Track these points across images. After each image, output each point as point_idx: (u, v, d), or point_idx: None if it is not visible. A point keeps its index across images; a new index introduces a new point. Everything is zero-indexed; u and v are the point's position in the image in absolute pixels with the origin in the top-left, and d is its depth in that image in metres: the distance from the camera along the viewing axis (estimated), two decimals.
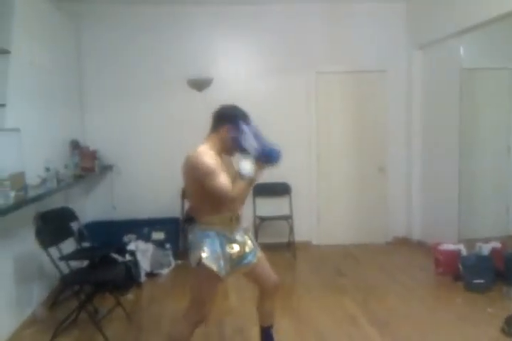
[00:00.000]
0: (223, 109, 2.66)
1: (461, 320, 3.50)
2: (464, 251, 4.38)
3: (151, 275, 4.72)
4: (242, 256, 2.61)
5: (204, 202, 2.52)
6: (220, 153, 2.55)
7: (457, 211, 4.96)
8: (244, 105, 5.85)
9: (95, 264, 3.91)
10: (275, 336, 2.90)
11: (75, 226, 4.15)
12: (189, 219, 5.34)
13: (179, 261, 5.13)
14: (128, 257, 4.52)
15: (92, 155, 4.98)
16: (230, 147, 2.55)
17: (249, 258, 2.66)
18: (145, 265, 4.69)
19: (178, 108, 5.57)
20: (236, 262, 2.58)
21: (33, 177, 3.74)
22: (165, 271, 4.86)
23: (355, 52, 5.65)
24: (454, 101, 4.93)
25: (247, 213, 5.52)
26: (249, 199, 5.53)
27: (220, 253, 2.48)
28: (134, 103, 5.54)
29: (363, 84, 5.73)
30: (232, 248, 2.55)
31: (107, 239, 4.66)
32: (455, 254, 4.38)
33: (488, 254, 4.25)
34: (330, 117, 5.67)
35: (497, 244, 4.38)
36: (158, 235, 5.06)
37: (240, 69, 5.64)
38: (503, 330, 3.23)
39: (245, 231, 2.72)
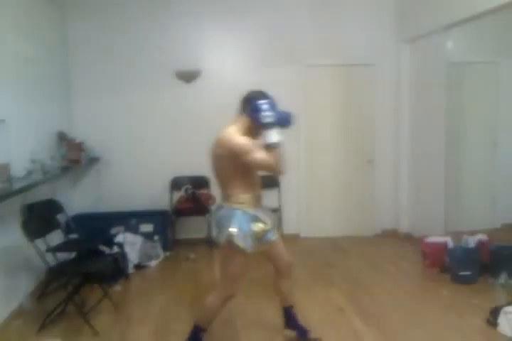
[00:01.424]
0: (247, 94, 2.81)
1: (448, 311, 3.54)
2: (451, 244, 4.42)
3: (139, 267, 4.71)
4: (264, 233, 2.74)
5: (236, 181, 2.67)
6: (246, 135, 2.67)
7: (444, 204, 5.01)
8: (232, 97, 5.83)
9: (82, 256, 3.90)
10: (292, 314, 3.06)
11: (61, 218, 4.14)
12: (177, 212, 5.37)
13: (168, 253, 5.13)
14: (115, 249, 4.49)
15: (79, 147, 4.94)
16: (254, 127, 2.65)
17: (269, 235, 2.80)
18: (133, 257, 4.67)
19: (166, 99, 5.54)
20: (259, 239, 2.71)
21: (18, 169, 3.70)
22: (153, 263, 4.84)
23: (344, 45, 5.63)
24: (441, 94, 4.96)
25: None
26: None
27: (247, 231, 2.62)
28: (122, 94, 5.48)
29: (352, 77, 5.73)
30: (257, 226, 2.68)
31: (94, 231, 4.63)
32: (442, 247, 4.42)
33: (474, 247, 4.29)
34: (319, 110, 5.67)
35: (483, 237, 4.43)
36: (147, 227, 5.04)
37: (228, 61, 5.60)
38: (488, 321, 3.28)
39: (265, 210, 2.84)
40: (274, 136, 2.54)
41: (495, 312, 3.25)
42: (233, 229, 2.60)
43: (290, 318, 3.10)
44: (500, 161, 5.83)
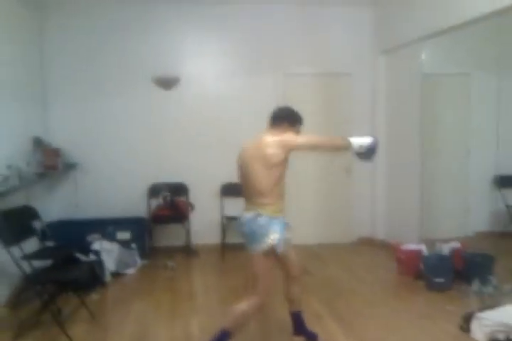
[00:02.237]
0: (282, 110, 3.01)
1: (422, 318, 3.60)
2: (425, 251, 4.51)
3: (116, 275, 4.66)
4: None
5: (274, 189, 2.76)
6: None
7: (419, 212, 5.10)
8: (212, 105, 5.92)
9: (58, 264, 3.84)
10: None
11: (37, 225, 4.06)
12: (155, 219, 5.34)
13: (145, 261, 5.09)
14: (92, 257, 4.45)
15: (55, 153, 4.88)
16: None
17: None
18: (110, 265, 4.62)
19: (144, 106, 5.53)
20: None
21: None
22: (131, 271, 4.80)
23: (322, 54, 5.73)
24: (416, 105, 5.08)
25: (214, 213, 5.55)
26: (216, 199, 5.55)
27: (283, 239, 2.74)
28: (100, 100, 5.45)
29: (330, 86, 5.82)
30: (288, 233, 2.84)
31: (70, 238, 4.57)
32: (416, 254, 4.51)
33: (448, 254, 4.39)
34: None
35: (457, 244, 4.52)
36: (124, 235, 4.99)
37: (208, 68, 5.63)
38: (461, 327, 3.34)
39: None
40: (359, 149, 2.85)
41: (468, 319, 3.32)
42: (275, 237, 2.69)
43: (299, 323, 3.15)
44: (473, 170, 5.97)
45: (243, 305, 2.77)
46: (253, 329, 3.33)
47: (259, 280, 2.77)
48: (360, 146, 2.83)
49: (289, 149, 2.72)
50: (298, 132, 2.93)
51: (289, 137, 2.77)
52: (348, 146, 2.83)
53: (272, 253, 2.70)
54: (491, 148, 6.08)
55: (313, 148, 3.08)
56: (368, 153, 2.90)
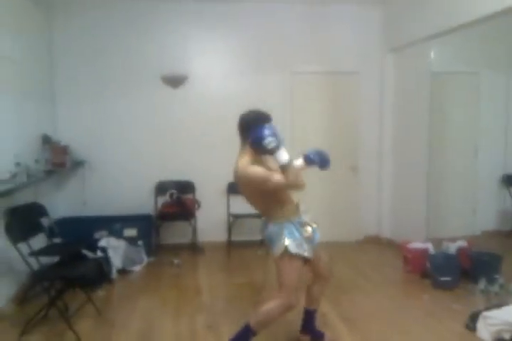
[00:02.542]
0: (243, 120, 2.87)
1: (428, 316, 3.60)
2: (432, 250, 4.50)
3: (123, 272, 4.68)
4: (312, 235, 2.87)
5: (269, 203, 2.81)
6: (258, 158, 2.76)
7: (425, 211, 5.09)
8: (218, 103, 5.93)
9: (66, 260, 3.87)
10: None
11: (45, 221, 4.10)
12: (162, 216, 5.36)
13: (151, 258, 5.11)
14: (99, 253, 4.48)
15: (64, 151, 4.91)
16: (261, 152, 2.70)
17: (316, 236, 2.92)
18: (117, 262, 4.64)
19: (152, 104, 5.54)
20: (311, 242, 2.83)
21: (2, 172, 3.67)
22: (137, 268, 4.83)
23: (330, 53, 5.71)
24: (424, 103, 5.05)
25: (220, 211, 5.57)
26: (223, 197, 5.57)
27: (300, 239, 2.75)
28: (108, 98, 5.47)
29: (337, 85, 5.80)
30: (307, 231, 2.82)
31: (78, 235, 4.60)
32: (423, 253, 4.50)
33: (454, 253, 4.37)
34: (304, 117, 5.72)
35: (463, 243, 4.51)
36: (131, 232, 5.02)
37: (215, 67, 5.64)
38: (467, 326, 3.34)
39: (306, 214, 2.97)
40: (283, 155, 2.62)
41: (474, 317, 3.31)
42: (286, 242, 2.71)
43: (309, 321, 3.16)
44: (480, 169, 5.94)
45: (269, 305, 2.79)
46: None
47: (284, 281, 2.78)
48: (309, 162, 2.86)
49: (256, 186, 2.69)
50: (264, 154, 2.76)
51: (257, 176, 2.65)
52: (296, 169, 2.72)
53: (289, 255, 2.71)
54: (500, 147, 6.04)
55: (282, 190, 2.81)
56: (322, 163, 2.97)
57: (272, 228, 2.80)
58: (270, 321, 2.81)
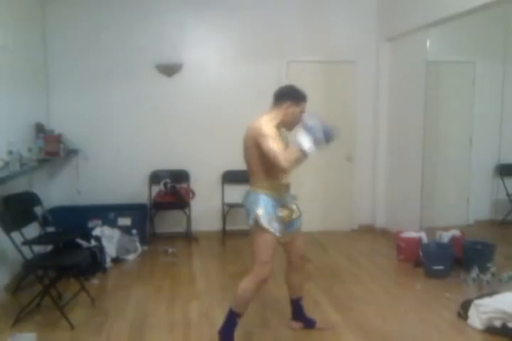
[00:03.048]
0: (285, 87, 2.94)
1: (421, 305, 3.63)
2: (425, 239, 4.52)
3: (117, 260, 4.68)
4: (291, 221, 2.88)
5: (261, 168, 2.78)
6: (279, 127, 2.81)
7: (420, 200, 5.10)
8: (214, 92, 5.90)
9: (59, 249, 3.87)
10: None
11: (38, 210, 4.10)
12: (156, 205, 5.35)
13: (146, 247, 5.12)
14: (93, 242, 4.48)
15: (57, 139, 4.87)
16: (292, 120, 2.82)
17: (297, 224, 2.96)
18: (111, 250, 4.64)
19: (146, 93, 5.50)
20: (287, 226, 2.84)
21: None
22: (131, 257, 4.83)
23: (326, 42, 5.68)
24: (420, 93, 5.04)
25: (215, 200, 5.57)
26: (217, 186, 5.56)
27: (272, 215, 2.74)
28: (102, 87, 5.43)
29: (333, 74, 5.78)
30: (282, 211, 2.81)
31: (71, 224, 4.61)
32: (416, 241, 4.52)
33: (447, 242, 4.40)
34: None
35: (457, 232, 4.54)
36: (125, 221, 5.02)
37: (210, 55, 5.59)
38: (459, 314, 3.37)
39: (293, 199, 2.96)
40: (307, 142, 2.57)
41: (465, 306, 3.34)
42: (259, 212, 2.71)
43: (298, 310, 3.19)
44: (475, 159, 5.95)
45: (243, 282, 2.82)
46: (252, 311, 3.35)
47: (256, 254, 2.81)
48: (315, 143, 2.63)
49: (256, 142, 2.70)
50: (302, 111, 2.85)
51: (264, 132, 2.66)
52: (303, 157, 2.63)
53: (260, 227, 2.70)
54: (494, 137, 6.03)
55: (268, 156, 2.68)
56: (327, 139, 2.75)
57: (250, 196, 2.80)
58: (248, 298, 2.82)
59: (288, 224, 2.87)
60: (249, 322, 3.20)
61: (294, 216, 2.92)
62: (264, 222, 2.70)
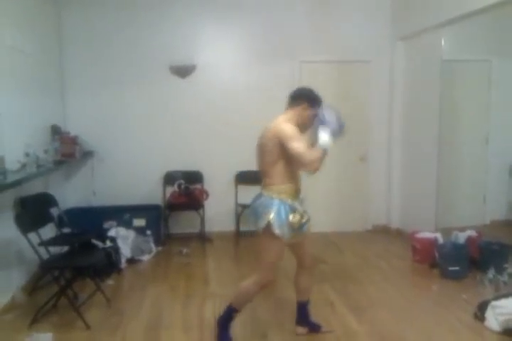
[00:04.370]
0: (302, 90, 2.95)
1: (436, 306, 3.59)
2: (441, 239, 4.48)
3: (131, 261, 4.72)
4: (301, 224, 2.81)
5: (279, 171, 2.76)
6: (295, 127, 2.77)
7: (435, 200, 5.05)
8: (227, 93, 5.91)
9: (75, 250, 3.91)
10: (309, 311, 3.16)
11: (54, 211, 4.14)
12: (170, 206, 5.38)
13: (160, 248, 5.15)
14: (108, 243, 4.51)
15: (73, 141, 4.93)
16: (306, 122, 2.84)
17: (305, 227, 2.88)
18: (126, 251, 4.68)
19: (160, 94, 5.54)
20: (296, 230, 2.79)
21: (12, 162, 3.69)
22: (146, 258, 4.86)
23: (339, 42, 5.65)
24: (435, 92, 4.99)
25: (228, 201, 5.58)
26: (231, 187, 5.57)
27: (284, 221, 2.71)
28: (116, 89, 5.47)
29: (347, 73, 5.75)
30: (295, 217, 2.75)
31: (87, 225, 4.64)
32: (432, 242, 4.48)
33: (463, 242, 4.35)
34: None
35: (473, 233, 4.49)
36: (140, 222, 5.05)
37: (223, 56, 5.60)
38: (475, 315, 3.33)
39: (302, 202, 2.91)
40: (327, 138, 2.65)
41: (482, 307, 3.30)
42: (271, 217, 2.69)
43: (302, 314, 3.16)
44: (491, 158, 5.88)
45: (246, 282, 2.86)
46: (259, 309, 3.35)
47: (262, 258, 2.84)
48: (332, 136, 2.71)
49: (279, 142, 2.69)
50: (316, 114, 2.82)
51: (287, 132, 2.67)
52: (324, 154, 2.69)
53: (271, 232, 2.69)
54: (511, 136, 5.96)
55: (294, 157, 2.67)
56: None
57: (263, 200, 2.78)
58: (249, 298, 2.89)
59: (298, 228, 2.82)
60: (264, 323, 3.20)
61: (304, 220, 2.85)
62: (275, 227, 2.69)
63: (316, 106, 2.84)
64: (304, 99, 2.84)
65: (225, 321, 2.95)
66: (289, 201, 2.76)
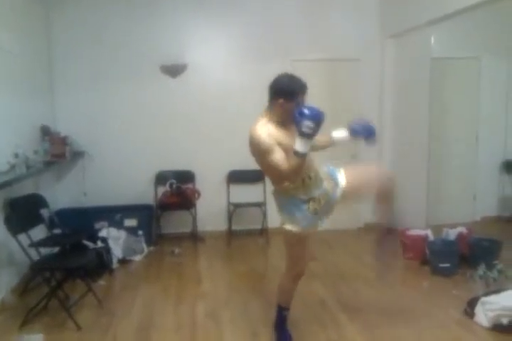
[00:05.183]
0: (277, 83, 2.74)
1: (427, 303, 3.62)
2: (431, 236, 4.50)
3: (123, 261, 4.70)
4: (325, 205, 2.79)
5: (273, 173, 2.68)
6: (279, 124, 2.67)
7: (426, 197, 5.08)
8: (218, 92, 5.88)
9: (66, 251, 3.89)
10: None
11: (45, 213, 4.11)
12: (162, 206, 5.36)
13: (152, 248, 5.14)
14: (99, 244, 4.50)
15: (63, 141, 4.90)
16: (286, 117, 2.62)
17: (335, 196, 2.86)
18: (117, 252, 4.67)
19: (151, 94, 5.51)
20: (322, 212, 2.80)
21: (1, 163, 3.68)
22: (137, 258, 4.85)
23: (330, 40, 5.65)
24: (425, 90, 5.01)
25: (220, 200, 5.57)
26: (223, 186, 5.57)
27: (298, 216, 2.71)
28: (107, 89, 5.44)
29: (337, 72, 5.76)
30: (309, 207, 2.71)
31: (78, 226, 4.62)
32: (422, 239, 4.50)
33: (454, 239, 4.38)
34: None
35: (463, 230, 4.52)
36: (131, 222, 5.04)
37: (215, 55, 5.59)
38: (465, 312, 3.35)
39: (322, 182, 2.80)
40: (304, 145, 2.46)
41: (472, 303, 3.33)
42: (284, 214, 2.76)
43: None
44: (481, 155, 5.93)
45: (281, 279, 3.00)
46: (249, 308, 3.35)
47: (287, 253, 2.90)
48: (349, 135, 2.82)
49: (258, 152, 2.61)
50: (300, 102, 2.66)
51: (261, 145, 2.54)
52: (303, 160, 2.50)
53: (289, 229, 2.73)
54: (500, 133, 6.02)
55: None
56: (368, 135, 2.93)
57: (277, 201, 2.83)
58: (288, 292, 2.97)
59: (322, 209, 2.77)
60: (254, 321, 3.20)
61: (322, 202, 2.76)
62: (287, 225, 2.74)
63: (295, 97, 2.64)
64: (280, 95, 2.64)
65: (280, 323, 3.02)
66: (299, 193, 2.69)
